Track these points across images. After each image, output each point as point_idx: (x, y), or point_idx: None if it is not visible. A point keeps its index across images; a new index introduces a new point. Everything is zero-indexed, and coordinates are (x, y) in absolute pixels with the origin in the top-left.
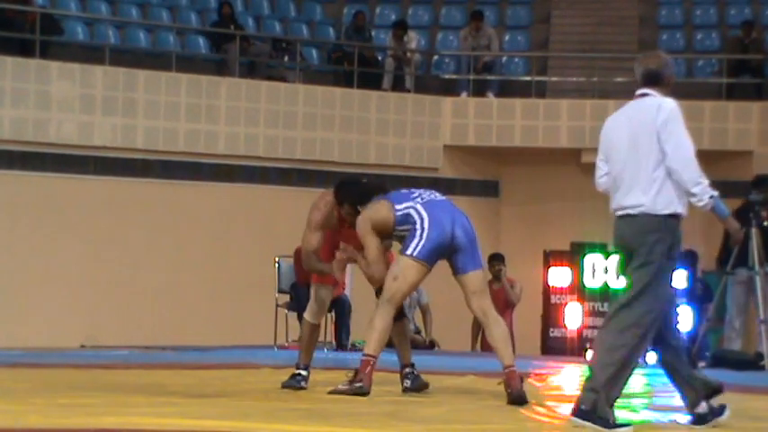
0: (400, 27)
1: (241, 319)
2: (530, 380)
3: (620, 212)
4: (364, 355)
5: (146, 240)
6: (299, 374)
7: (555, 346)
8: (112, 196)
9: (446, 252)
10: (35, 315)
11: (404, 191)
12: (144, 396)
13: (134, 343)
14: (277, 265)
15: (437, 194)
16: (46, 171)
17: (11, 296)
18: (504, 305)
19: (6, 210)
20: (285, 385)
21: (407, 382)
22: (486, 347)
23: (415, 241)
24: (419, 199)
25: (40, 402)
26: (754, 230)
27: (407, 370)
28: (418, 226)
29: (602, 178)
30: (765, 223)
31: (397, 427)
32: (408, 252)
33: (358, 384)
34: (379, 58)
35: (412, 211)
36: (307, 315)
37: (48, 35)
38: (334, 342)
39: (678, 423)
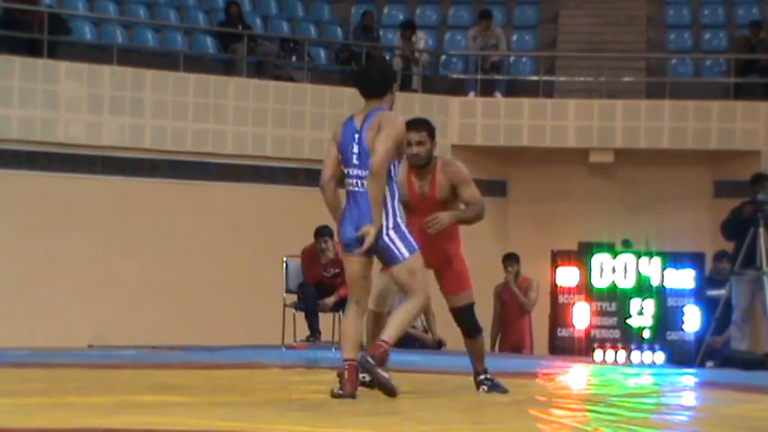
0: (408, 27)
1: (249, 318)
2: (538, 379)
3: None
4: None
5: (153, 240)
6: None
7: (562, 346)
8: (120, 196)
9: (357, 242)
10: (43, 315)
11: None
12: (152, 396)
13: (142, 343)
14: (285, 264)
15: (359, 178)
16: (54, 171)
17: (19, 296)
18: (519, 310)
19: (14, 209)
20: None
21: (484, 388)
22: (505, 349)
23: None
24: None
25: (48, 402)
26: (761, 230)
27: (482, 377)
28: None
29: None
30: None
31: (403, 426)
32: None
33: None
34: (387, 57)
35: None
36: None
37: (55, 35)
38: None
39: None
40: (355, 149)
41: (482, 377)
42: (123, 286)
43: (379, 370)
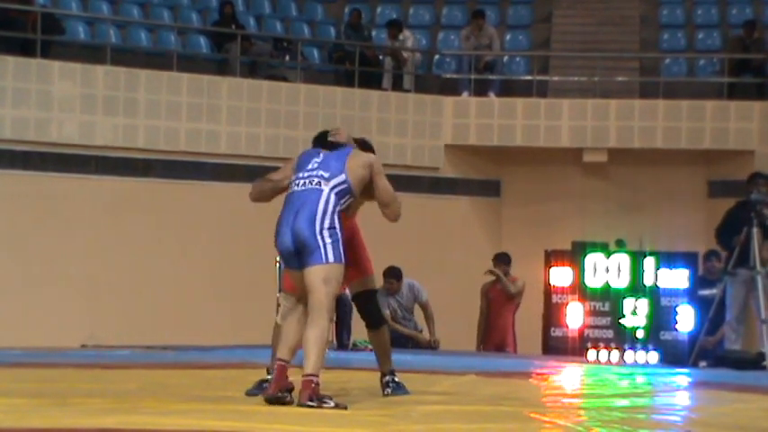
0: (394, 26)
1: (242, 318)
2: (531, 379)
3: None
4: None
5: (147, 240)
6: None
7: (556, 346)
8: (114, 196)
9: (293, 256)
10: (36, 315)
11: (309, 155)
12: (145, 396)
13: (135, 343)
14: (278, 265)
15: (310, 175)
16: (47, 171)
17: (12, 296)
18: (505, 301)
19: (7, 209)
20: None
21: (388, 391)
22: (489, 348)
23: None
24: (292, 185)
25: (41, 402)
26: (755, 230)
27: (387, 378)
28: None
29: None
30: None
31: (397, 426)
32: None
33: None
34: (381, 57)
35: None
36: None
37: (49, 35)
38: (335, 341)
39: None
40: (320, 157)
41: (387, 378)
42: (117, 286)
43: (326, 404)
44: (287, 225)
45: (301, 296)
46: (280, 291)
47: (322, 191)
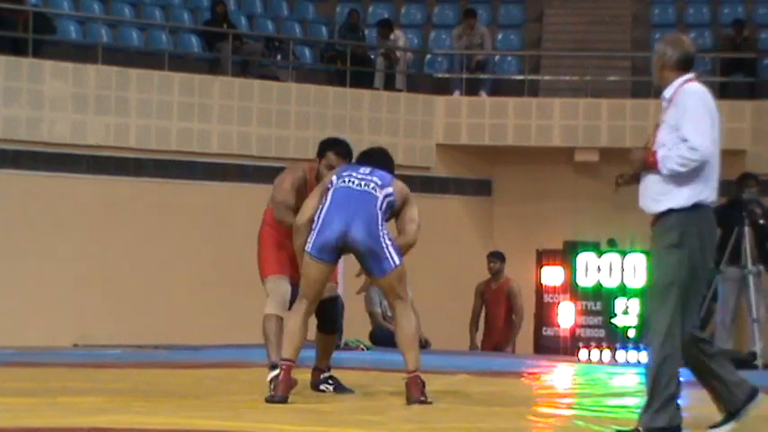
0: (385, 25)
1: (234, 317)
2: (523, 379)
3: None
4: (281, 359)
5: (138, 239)
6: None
7: (548, 345)
8: (105, 195)
9: (341, 251)
10: (28, 314)
11: (352, 167)
12: (137, 395)
13: (127, 342)
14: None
15: (364, 178)
16: (38, 170)
17: (3, 295)
18: (504, 305)
19: None
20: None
21: (330, 388)
22: (486, 347)
23: (312, 234)
24: (340, 181)
25: (33, 401)
26: (746, 229)
27: (327, 375)
28: (317, 215)
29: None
30: (761, 221)
31: (389, 426)
32: (307, 246)
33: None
34: (372, 57)
35: (327, 194)
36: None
37: (40, 34)
38: None
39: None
40: (367, 169)
41: (326, 374)
42: (108, 285)
43: (428, 402)
44: (340, 220)
45: (311, 291)
46: (265, 276)
47: (378, 197)
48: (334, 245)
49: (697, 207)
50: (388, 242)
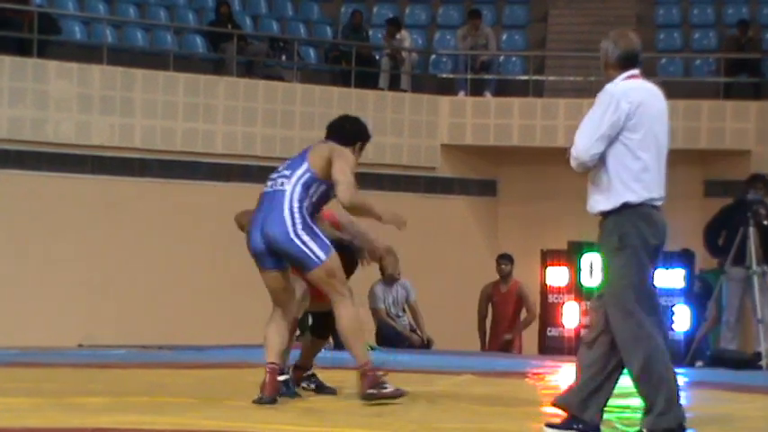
0: (392, 25)
1: (239, 318)
2: (527, 379)
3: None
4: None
5: (143, 239)
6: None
7: (552, 346)
8: (110, 195)
9: (276, 253)
10: (32, 314)
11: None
12: (141, 395)
13: (131, 342)
14: None
15: (278, 176)
16: (43, 170)
17: (8, 295)
18: (513, 307)
19: (3, 209)
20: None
21: (312, 386)
22: (493, 348)
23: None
24: (267, 182)
25: (38, 402)
26: (751, 229)
27: (310, 372)
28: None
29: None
30: (766, 222)
31: (392, 426)
32: None
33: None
34: (377, 57)
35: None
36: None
37: (45, 34)
38: (332, 341)
39: None
40: (283, 166)
41: (308, 373)
42: (113, 286)
43: (386, 390)
44: (256, 227)
45: (276, 299)
46: None
47: (285, 190)
48: (262, 250)
49: (627, 207)
50: (307, 238)
